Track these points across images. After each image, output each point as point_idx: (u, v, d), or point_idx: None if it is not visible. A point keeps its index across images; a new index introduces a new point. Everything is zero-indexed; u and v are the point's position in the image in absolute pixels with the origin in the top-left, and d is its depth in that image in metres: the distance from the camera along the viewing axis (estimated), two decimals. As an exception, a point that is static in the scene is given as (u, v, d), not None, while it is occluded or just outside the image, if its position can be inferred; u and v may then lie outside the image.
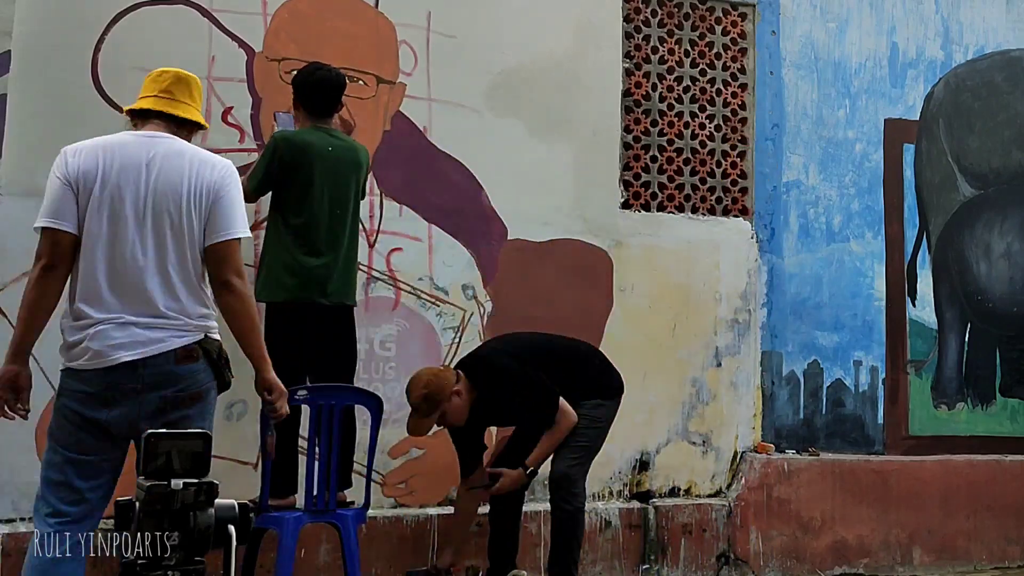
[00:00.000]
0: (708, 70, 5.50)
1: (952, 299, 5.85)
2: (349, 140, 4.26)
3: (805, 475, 5.35)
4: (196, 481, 2.91)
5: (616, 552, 4.94)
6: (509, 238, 4.96)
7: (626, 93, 5.31)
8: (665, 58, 5.43)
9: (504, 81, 5.00)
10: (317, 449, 4.01)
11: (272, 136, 4.17)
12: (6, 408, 3.00)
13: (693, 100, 5.46)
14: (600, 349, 4.65)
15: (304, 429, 4.22)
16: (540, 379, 4.15)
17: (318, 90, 4.19)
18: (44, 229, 2.97)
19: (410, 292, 4.76)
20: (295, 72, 4.34)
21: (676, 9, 5.47)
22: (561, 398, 4.16)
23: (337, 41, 4.70)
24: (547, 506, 4.88)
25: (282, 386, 3.21)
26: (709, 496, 5.23)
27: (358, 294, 4.63)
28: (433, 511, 4.30)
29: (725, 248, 5.36)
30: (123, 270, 2.96)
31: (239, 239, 3.07)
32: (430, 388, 4.05)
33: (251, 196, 4.13)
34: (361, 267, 4.63)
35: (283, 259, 4.06)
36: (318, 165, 4.08)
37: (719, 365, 5.30)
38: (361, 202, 4.35)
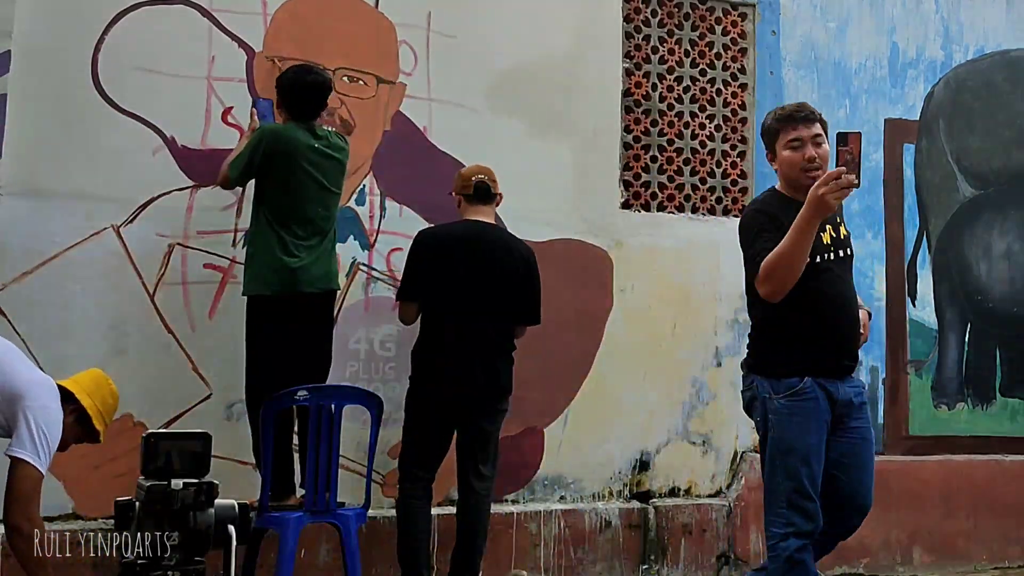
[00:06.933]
0: (708, 70, 5.49)
1: (952, 299, 5.85)
2: (332, 137, 4.26)
3: (805, 475, 5.34)
4: (196, 481, 2.92)
5: (616, 552, 4.95)
6: (509, 238, 4.96)
7: (626, 93, 5.31)
8: (665, 58, 5.43)
9: (504, 81, 5.00)
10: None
11: (260, 127, 4.17)
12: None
13: (693, 100, 5.45)
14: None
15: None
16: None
17: (305, 94, 4.18)
18: None
19: (410, 292, 4.75)
20: (281, 73, 4.32)
21: (676, 9, 5.47)
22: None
23: (337, 41, 4.70)
24: (547, 506, 4.89)
25: None
26: (709, 496, 5.23)
27: (359, 294, 4.65)
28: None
29: (725, 248, 5.34)
30: None
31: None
32: (492, 173, 4.35)
33: (230, 184, 4.19)
34: (361, 267, 4.64)
35: (266, 257, 4.07)
36: (302, 162, 4.08)
37: (719, 365, 5.30)
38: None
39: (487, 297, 4.19)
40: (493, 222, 4.36)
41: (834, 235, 3.48)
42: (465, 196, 4.33)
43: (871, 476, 3.54)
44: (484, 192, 4.30)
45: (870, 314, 3.69)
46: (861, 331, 3.54)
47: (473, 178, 4.31)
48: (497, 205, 4.40)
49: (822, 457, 3.40)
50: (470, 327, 4.15)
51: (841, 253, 3.48)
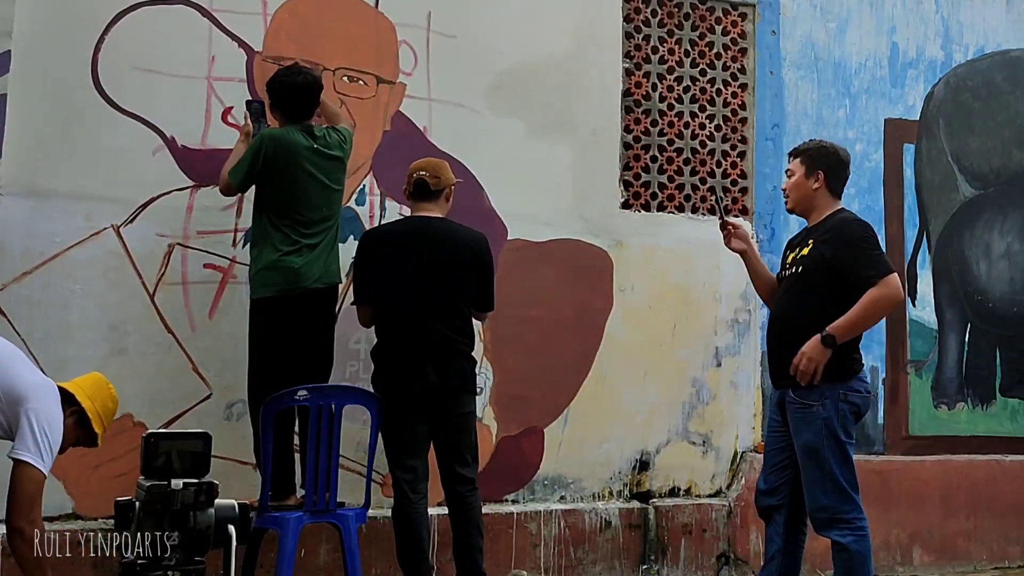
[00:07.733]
0: (708, 70, 5.49)
1: (952, 299, 5.85)
2: (331, 134, 4.25)
3: (805, 475, 5.34)
4: (196, 481, 2.92)
5: (616, 552, 4.95)
6: (509, 238, 4.96)
7: (626, 93, 5.31)
8: (665, 58, 5.43)
9: (504, 81, 5.00)
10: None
11: (260, 134, 4.16)
12: None
13: (693, 100, 5.45)
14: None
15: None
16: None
17: (296, 95, 4.17)
18: None
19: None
20: (271, 77, 4.29)
21: (676, 9, 5.47)
22: None
23: (337, 41, 4.70)
24: (547, 506, 4.89)
25: None
26: (709, 496, 5.23)
27: (358, 294, 4.65)
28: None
29: (725, 248, 5.35)
30: None
31: None
32: (436, 168, 4.18)
33: (231, 191, 4.21)
34: (361, 267, 4.63)
35: (270, 259, 4.07)
36: (304, 164, 4.09)
37: (719, 365, 5.30)
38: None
39: (436, 294, 4.05)
40: (439, 216, 4.17)
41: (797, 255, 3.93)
42: (409, 193, 4.19)
43: (809, 474, 3.75)
44: (423, 189, 4.13)
45: (828, 339, 3.67)
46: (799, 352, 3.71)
47: (414, 175, 4.15)
48: (447, 200, 4.21)
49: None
50: (421, 327, 4.01)
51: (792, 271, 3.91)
